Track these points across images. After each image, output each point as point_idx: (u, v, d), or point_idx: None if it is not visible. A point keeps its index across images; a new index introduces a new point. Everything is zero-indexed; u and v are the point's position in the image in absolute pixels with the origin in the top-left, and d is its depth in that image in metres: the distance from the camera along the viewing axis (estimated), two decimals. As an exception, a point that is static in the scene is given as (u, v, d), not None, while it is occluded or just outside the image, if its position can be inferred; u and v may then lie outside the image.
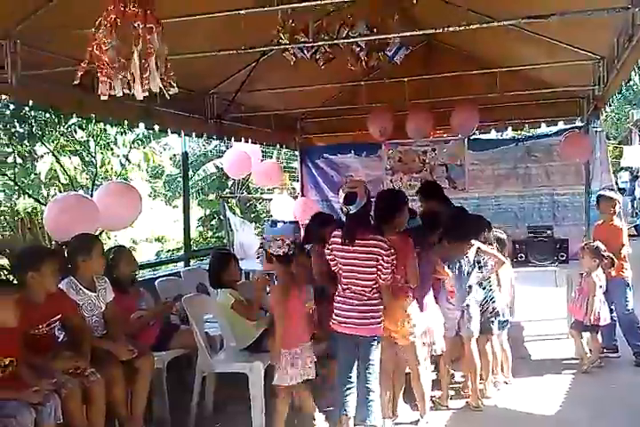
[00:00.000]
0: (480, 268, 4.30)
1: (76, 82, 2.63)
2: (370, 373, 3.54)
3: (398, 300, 3.63)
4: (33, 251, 3.68)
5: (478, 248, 4.25)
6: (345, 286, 3.56)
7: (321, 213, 5.49)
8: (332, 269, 3.67)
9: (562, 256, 5.71)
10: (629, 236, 5.40)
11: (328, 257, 3.66)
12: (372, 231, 3.51)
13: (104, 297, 3.68)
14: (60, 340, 3.46)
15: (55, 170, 8.89)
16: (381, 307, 3.54)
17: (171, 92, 2.57)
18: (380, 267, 3.44)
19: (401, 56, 4.47)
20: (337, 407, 3.64)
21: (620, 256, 5.02)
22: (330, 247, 3.63)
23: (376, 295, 3.52)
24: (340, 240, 3.55)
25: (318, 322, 4.30)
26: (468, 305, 4.17)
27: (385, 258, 3.42)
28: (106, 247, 4.13)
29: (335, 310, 3.59)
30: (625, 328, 5.11)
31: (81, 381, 3.11)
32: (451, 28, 3.67)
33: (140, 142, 10.29)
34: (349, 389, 3.59)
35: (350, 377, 3.61)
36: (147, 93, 2.49)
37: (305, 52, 4.19)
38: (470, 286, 4.20)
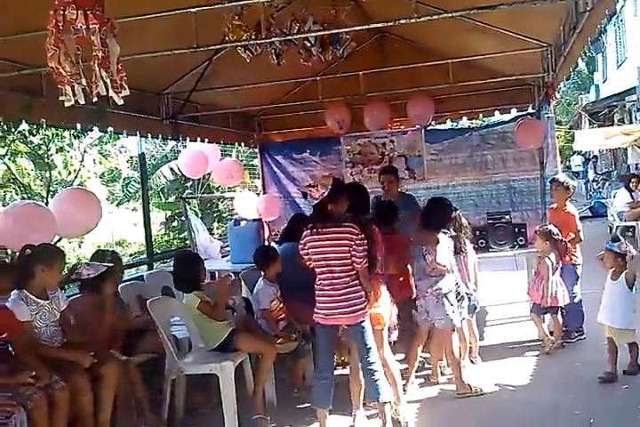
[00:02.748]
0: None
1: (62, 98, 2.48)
2: (370, 355, 3.55)
3: (377, 284, 3.70)
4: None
5: None
6: (323, 277, 3.55)
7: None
8: (310, 265, 3.65)
9: (520, 241, 5.85)
10: (584, 218, 5.52)
11: (305, 256, 3.65)
12: (342, 220, 3.55)
13: (57, 305, 3.58)
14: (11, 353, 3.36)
15: (12, 171, 8.51)
16: (362, 293, 3.54)
17: (122, 95, 2.49)
18: (353, 253, 3.47)
19: (343, 49, 4.47)
20: (315, 402, 3.66)
21: (575, 240, 5.09)
22: (303, 242, 3.62)
23: (355, 282, 3.53)
24: (310, 231, 3.57)
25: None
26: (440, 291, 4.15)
27: (357, 242, 3.47)
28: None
29: (317, 304, 3.59)
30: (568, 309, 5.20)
31: (46, 391, 3.04)
32: (402, 21, 3.70)
33: (92, 146, 10.02)
34: (327, 382, 3.61)
35: (329, 370, 3.64)
36: (96, 99, 2.43)
37: (258, 49, 4.16)
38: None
